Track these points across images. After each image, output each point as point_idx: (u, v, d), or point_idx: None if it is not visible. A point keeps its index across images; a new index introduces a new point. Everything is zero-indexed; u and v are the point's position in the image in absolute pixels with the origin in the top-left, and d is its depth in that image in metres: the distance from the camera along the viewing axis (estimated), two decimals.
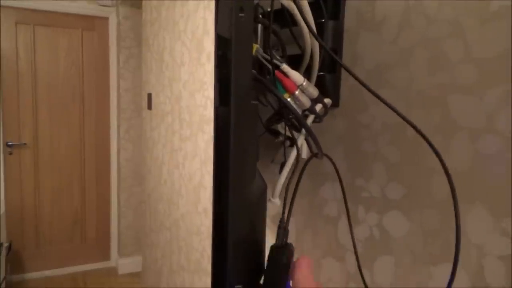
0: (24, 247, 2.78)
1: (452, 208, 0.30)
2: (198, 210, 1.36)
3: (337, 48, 0.58)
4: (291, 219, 0.38)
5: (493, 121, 0.40)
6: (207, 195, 1.28)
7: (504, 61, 0.39)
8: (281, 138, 0.59)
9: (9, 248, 2.50)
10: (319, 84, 0.52)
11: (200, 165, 1.33)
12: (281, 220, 0.36)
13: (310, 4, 0.47)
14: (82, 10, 2.73)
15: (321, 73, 0.56)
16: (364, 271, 0.57)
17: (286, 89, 0.45)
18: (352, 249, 0.55)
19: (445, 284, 0.30)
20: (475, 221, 0.42)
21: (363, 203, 0.57)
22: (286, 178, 0.47)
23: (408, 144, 0.50)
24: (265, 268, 0.34)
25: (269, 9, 0.46)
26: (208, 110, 1.25)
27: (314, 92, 0.47)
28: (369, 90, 0.35)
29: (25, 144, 2.69)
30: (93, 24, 2.80)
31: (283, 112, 0.47)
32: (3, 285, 2.35)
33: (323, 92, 0.50)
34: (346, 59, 0.59)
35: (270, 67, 0.45)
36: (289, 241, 0.36)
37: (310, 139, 0.46)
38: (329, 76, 0.58)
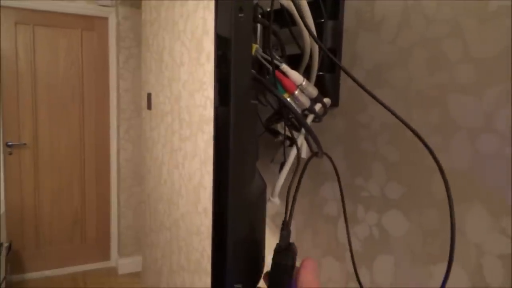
0: (24, 247, 2.78)
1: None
2: (198, 210, 1.36)
3: (336, 48, 0.59)
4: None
5: (492, 121, 0.40)
6: (207, 195, 1.28)
7: (503, 60, 0.39)
8: (280, 138, 0.59)
9: (9, 248, 2.50)
10: (318, 84, 0.53)
11: (199, 165, 1.33)
12: (284, 221, 0.36)
13: (309, 4, 0.47)
14: (82, 10, 2.73)
15: (321, 73, 0.56)
16: (363, 270, 0.57)
17: (285, 89, 0.45)
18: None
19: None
20: (474, 220, 0.42)
21: (362, 202, 0.57)
22: (286, 177, 0.47)
23: (407, 143, 0.50)
24: (270, 269, 0.34)
25: (268, 9, 0.46)
26: (207, 110, 1.25)
27: (314, 91, 0.48)
28: (366, 91, 0.35)
29: (25, 144, 2.70)
30: (92, 24, 2.80)
31: (282, 111, 0.47)
32: (3, 285, 2.35)
33: (323, 92, 0.51)
34: (345, 59, 0.59)
35: (270, 67, 0.45)
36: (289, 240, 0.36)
37: (309, 138, 0.46)
38: (329, 76, 0.58)
